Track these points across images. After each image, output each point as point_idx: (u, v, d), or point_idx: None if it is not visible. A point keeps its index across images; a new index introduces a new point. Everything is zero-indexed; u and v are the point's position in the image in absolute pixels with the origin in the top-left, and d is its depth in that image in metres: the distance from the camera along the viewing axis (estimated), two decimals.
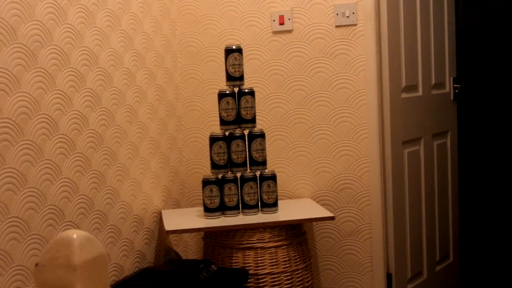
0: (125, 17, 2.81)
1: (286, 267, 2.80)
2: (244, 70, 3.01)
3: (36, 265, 1.16)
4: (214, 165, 2.89)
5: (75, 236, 1.13)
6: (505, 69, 5.30)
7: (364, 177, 3.14)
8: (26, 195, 2.17)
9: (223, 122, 2.90)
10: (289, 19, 3.16)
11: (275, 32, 3.20)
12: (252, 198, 2.89)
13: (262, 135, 2.92)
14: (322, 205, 3.14)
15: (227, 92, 2.89)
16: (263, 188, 2.90)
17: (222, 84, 3.14)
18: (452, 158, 3.84)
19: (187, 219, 2.93)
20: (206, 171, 3.21)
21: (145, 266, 2.88)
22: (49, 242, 2.26)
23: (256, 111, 3.03)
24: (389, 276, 3.17)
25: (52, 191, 2.30)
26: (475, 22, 5.34)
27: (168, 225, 2.79)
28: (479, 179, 5.37)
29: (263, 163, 2.92)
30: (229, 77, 2.90)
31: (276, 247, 2.79)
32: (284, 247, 2.81)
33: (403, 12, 3.27)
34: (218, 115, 2.93)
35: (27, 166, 2.17)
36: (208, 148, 2.93)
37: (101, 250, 1.17)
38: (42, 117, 2.25)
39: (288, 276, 2.80)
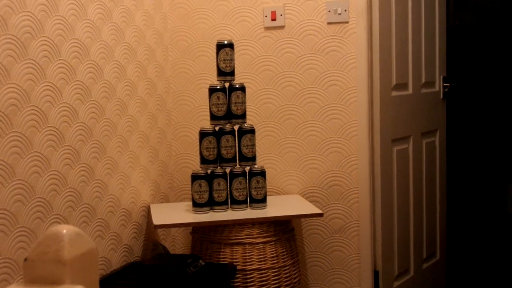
0: (116, 10, 2.79)
1: (274, 263, 2.80)
2: (235, 65, 3.00)
3: (26, 259, 1.16)
4: (204, 160, 2.89)
5: (65, 231, 1.13)
6: (495, 68, 5.32)
7: (353, 174, 3.15)
8: (14, 187, 2.16)
9: (213, 117, 2.89)
10: (281, 15, 3.16)
11: (267, 28, 3.19)
12: (241, 194, 2.89)
13: (252, 131, 2.91)
14: (310, 201, 3.15)
15: (218, 87, 2.89)
16: (252, 184, 2.90)
17: (213, 79, 3.13)
18: (440, 157, 3.85)
19: (176, 213, 2.92)
20: (195, 166, 3.21)
21: (132, 260, 2.87)
22: (37, 236, 2.25)
23: (247, 106, 3.02)
24: (376, 273, 3.19)
25: (41, 183, 2.29)
26: (466, 21, 5.35)
27: (156, 220, 2.79)
28: (467, 178, 5.40)
29: (253, 158, 2.92)
30: (220, 72, 2.90)
31: (264, 243, 2.79)
32: (272, 243, 2.81)
33: (395, 11, 3.27)
34: (208, 110, 2.92)
35: (15, 158, 2.16)
36: (198, 143, 2.93)
37: (91, 245, 1.17)
38: (32, 109, 2.24)
39: (275, 272, 2.80)
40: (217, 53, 2.89)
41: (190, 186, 2.96)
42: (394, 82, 3.30)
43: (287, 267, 2.85)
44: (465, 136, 5.39)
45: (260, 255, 2.78)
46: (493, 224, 5.16)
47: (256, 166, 2.93)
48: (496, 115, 5.35)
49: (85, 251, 1.15)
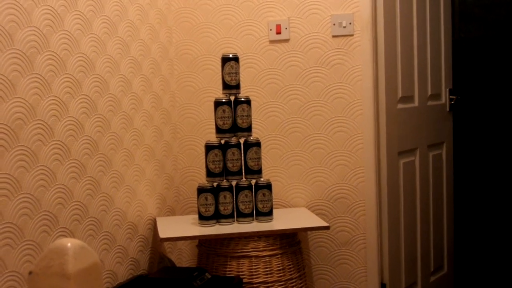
0: (122, 24, 2.81)
1: (280, 276, 2.79)
2: (241, 78, 3.01)
3: (30, 273, 1.16)
4: (210, 173, 2.89)
5: (69, 244, 1.13)
6: (501, 81, 5.31)
7: (359, 187, 3.14)
8: (21, 201, 2.16)
9: (219, 130, 2.90)
10: (286, 28, 3.17)
11: (272, 41, 3.20)
12: (247, 207, 2.89)
13: (257, 144, 2.92)
14: (317, 214, 3.14)
15: (223, 100, 2.89)
16: (258, 197, 2.89)
17: (218, 92, 3.14)
18: (447, 169, 3.84)
19: (182, 226, 2.92)
20: (201, 179, 3.21)
21: (138, 274, 2.87)
22: (43, 249, 2.25)
23: (252, 119, 3.03)
24: (383, 286, 3.17)
25: (47, 197, 2.29)
26: (471, 34, 5.35)
27: (163, 233, 2.78)
28: (474, 191, 5.38)
29: (259, 171, 2.92)
30: (226, 86, 2.91)
31: (270, 256, 2.79)
32: (278, 256, 2.81)
33: (400, 23, 3.28)
34: (214, 123, 2.93)
35: (21, 172, 2.17)
36: (204, 156, 2.93)
37: (95, 259, 1.16)
38: (38, 123, 2.25)
39: (282, 285, 2.79)
40: (222, 66, 2.90)
41: (196, 199, 2.96)
42: (400, 95, 3.29)
43: (293, 280, 2.84)
44: (472, 149, 5.38)
45: (267, 268, 2.77)
46: (501, 238, 5.13)
47: (262, 179, 2.92)
48: (503, 127, 5.33)
49: (89, 264, 1.15)
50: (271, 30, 3.19)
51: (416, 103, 3.47)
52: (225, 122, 2.89)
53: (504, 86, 5.29)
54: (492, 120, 5.35)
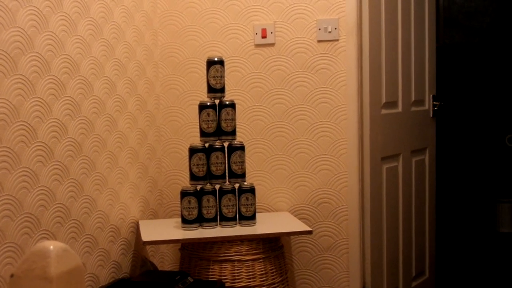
0: (107, 26, 2.80)
1: (263, 280, 2.79)
2: (226, 82, 3.01)
3: (12, 276, 1.15)
4: (193, 177, 2.88)
5: (51, 247, 1.12)
6: (484, 87, 5.35)
7: (342, 192, 3.15)
8: (2, 202, 2.14)
9: (203, 133, 2.89)
10: (271, 32, 3.17)
11: (257, 45, 3.20)
12: (230, 211, 2.89)
13: (241, 148, 2.92)
14: (300, 219, 3.14)
15: (208, 103, 2.89)
16: (242, 201, 2.89)
17: (203, 96, 3.13)
18: (430, 175, 3.86)
19: (165, 230, 2.91)
20: (185, 182, 3.20)
21: (120, 277, 2.86)
22: (24, 251, 2.24)
23: (237, 123, 3.03)
24: None
25: (29, 199, 2.27)
26: (455, 40, 5.39)
27: (145, 236, 2.77)
28: (456, 196, 5.41)
29: (242, 175, 2.92)
30: (210, 89, 2.90)
31: (253, 260, 2.78)
32: (261, 260, 2.81)
33: (385, 29, 3.29)
34: (198, 127, 2.92)
35: (4, 174, 2.15)
36: (188, 159, 2.93)
37: (78, 262, 1.16)
38: (21, 125, 2.23)
39: None
40: (208, 70, 2.90)
41: (179, 203, 2.95)
42: (384, 100, 3.31)
43: (276, 285, 2.84)
44: (454, 155, 5.41)
45: (249, 272, 2.77)
46: (483, 243, 5.17)
47: (245, 183, 2.92)
48: (486, 133, 5.37)
49: (71, 267, 1.15)
50: (256, 34, 3.19)
51: (399, 109, 3.49)
52: (209, 126, 2.88)
53: (487, 92, 5.33)
54: (475, 126, 5.39)
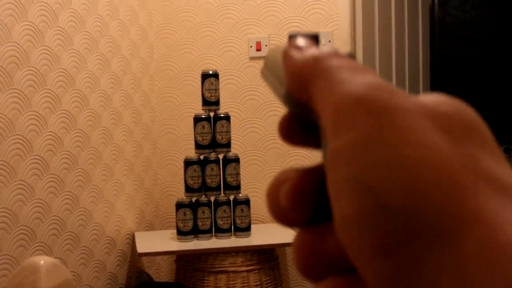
0: (103, 40, 2.82)
1: None
2: (220, 95, 3.03)
3: None
4: (188, 189, 2.90)
5: (42, 262, 1.14)
6: (479, 98, 5.37)
7: None
8: None
9: (198, 146, 2.92)
10: (266, 45, 3.20)
11: (252, 58, 3.23)
12: (225, 222, 2.91)
13: (236, 160, 2.94)
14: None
15: (203, 116, 2.92)
16: (237, 213, 2.91)
17: (198, 108, 3.16)
18: None
19: (160, 241, 2.93)
20: (180, 194, 3.22)
21: None
22: (19, 263, 2.26)
23: (231, 135, 3.05)
24: None
25: (24, 211, 2.29)
26: (450, 51, 5.42)
27: (141, 248, 2.79)
28: None
29: (237, 187, 2.94)
30: (205, 102, 2.93)
31: (248, 271, 2.80)
32: (256, 271, 2.82)
33: (378, 41, 3.32)
34: (193, 139, 2.95)
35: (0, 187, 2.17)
36: (183, 172, 2.95)
37: (68, 277, 1.18)
38: (16, 138, 2.26)
39: None
40: (202, 82, 2.93)
41: (175, 214, 2.97)
42: None
43: None
44: None
45: (244, 283, 2.79)
46: None
47: (240, 195, 2.94)
48: None
49: (61, 281, 1.17)
50: (251, 47, 3.22)
51: None
52: (204, 138, 2.91)
53: (482, 103, 5.35)
54: None
